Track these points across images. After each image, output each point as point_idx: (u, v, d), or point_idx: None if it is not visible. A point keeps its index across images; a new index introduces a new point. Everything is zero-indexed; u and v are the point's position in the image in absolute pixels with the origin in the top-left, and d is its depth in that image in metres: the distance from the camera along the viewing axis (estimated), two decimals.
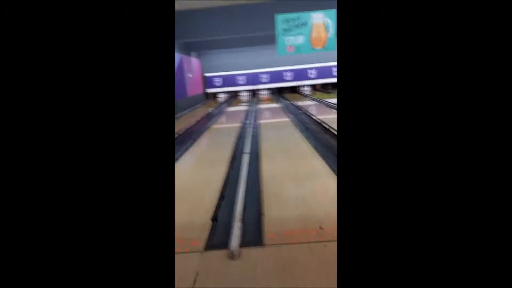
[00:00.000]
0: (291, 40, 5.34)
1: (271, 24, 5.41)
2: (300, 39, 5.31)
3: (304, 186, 1.97)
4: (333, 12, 5.12)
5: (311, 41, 5.28)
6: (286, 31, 5.31)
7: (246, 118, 5.21)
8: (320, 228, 1.41)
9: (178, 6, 5.30)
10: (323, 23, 5.19)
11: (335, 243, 1.29)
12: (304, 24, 5.21)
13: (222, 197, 1.92)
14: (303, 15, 5.18)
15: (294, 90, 9.57)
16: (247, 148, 3.01)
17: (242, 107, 7.14)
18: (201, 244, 1.38)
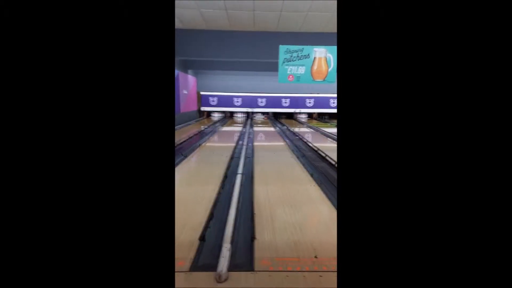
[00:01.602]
0: (293, 70, 5.54)
1: (274, 52, 5.62)
2: (301, 70, 5.52)
3: (299, 212, 1.91)
4: (335, 48, 5.38)
5: (312, 73, 5.49)
6: (288, 61, 5.51)
7: (240, 139, 5.19)
8: (315, 257, 1.34)
9: (179, 24, 5.46)
10: (325, 58, 5.43)
11: (331, 274, 1.22)
12: (307, 56, 5.44)
13: (211, 216, 1.83)
14: (306, 48, 5.43)
15: (290, 116, 9.76)
16: (240, 169, 2.95)
17: (236, 128, 7.16)
18: (187, 264, 1.28)
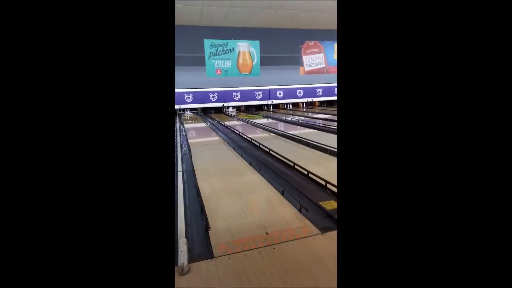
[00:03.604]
0: (220, 63, 5.60)
1: (200, 47, 5.55)
2: (228, 64, 5.62)
3: (246, 198, 2.04)
4: (257, 43, 5.66)
5: (238, 67, 5.66)
6: (214, 55, 5.54)
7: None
8: (267, 233, 1.50)
9: None
10: (248, 52, 5.66)
11: (282, 245, 1.40)
12: (232, 50, 5.56)
13: None
14: (230, 42, 5.54)
15: (219, 110, 9.81)
16: (179, 166, 2.91)
17: None
18: None
